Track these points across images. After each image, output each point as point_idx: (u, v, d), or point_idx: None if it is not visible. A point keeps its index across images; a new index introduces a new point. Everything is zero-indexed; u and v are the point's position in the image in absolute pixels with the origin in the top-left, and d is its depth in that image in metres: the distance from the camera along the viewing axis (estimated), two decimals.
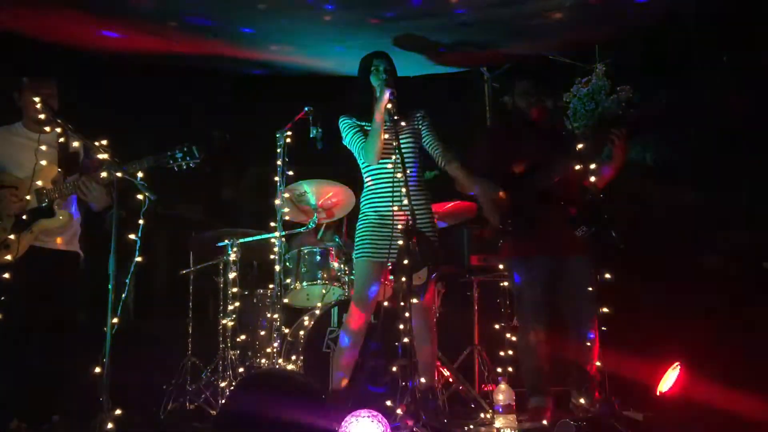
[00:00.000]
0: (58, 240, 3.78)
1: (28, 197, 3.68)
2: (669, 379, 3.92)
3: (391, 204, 3.71)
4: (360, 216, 3.89)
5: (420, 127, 3.91)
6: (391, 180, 3.73)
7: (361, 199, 3.93)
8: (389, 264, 3.78)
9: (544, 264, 3.88)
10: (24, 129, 3.85)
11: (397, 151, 3.57)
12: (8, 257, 3.62)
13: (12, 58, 4.71)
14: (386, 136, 3.75)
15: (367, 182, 3.90)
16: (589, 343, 3.98)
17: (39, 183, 3.70)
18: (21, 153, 3.75)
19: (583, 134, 4.00)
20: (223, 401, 4.21)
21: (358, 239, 3.85)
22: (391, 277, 4.25)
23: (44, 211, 3.73)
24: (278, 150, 4.36)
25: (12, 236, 3.63)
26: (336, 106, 4.01)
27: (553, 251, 3.86)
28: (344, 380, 3.75)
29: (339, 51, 5.07)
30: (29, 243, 3.69)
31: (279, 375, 3.51)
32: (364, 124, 3.84)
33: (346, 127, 3.87)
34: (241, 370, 4.63)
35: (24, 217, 3.67)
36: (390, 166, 3.75)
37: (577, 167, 3.75)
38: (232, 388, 4.25)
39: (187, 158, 3.69)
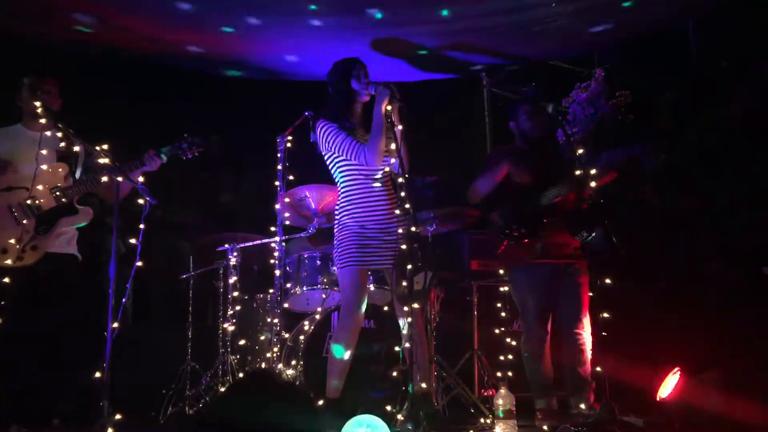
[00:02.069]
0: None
1: (28, 201, 3.67)
2: (669, 385, 3.92)
3: (377, 209, 3.68)
4: (342, 221, 3.73)
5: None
6: (377, 184, 3.70)
7: (343, 203, 3.75)
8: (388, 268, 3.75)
9: (546, 270, 3.96)
10: (24, 129, 3.85)
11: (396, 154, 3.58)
12: (34, 260, 3.64)
13: (11, 58, 4.72)
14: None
15: (348, 184, 3.74)
16: (585, 348, 3.99)
17: (42, 184, 3.69)
18: (24, 155, 3.75)
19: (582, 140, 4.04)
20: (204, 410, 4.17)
21: (344, 247, 3.69)
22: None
23: (67, 210, 3.74)
24: (279, 155, 4.36)
25: (40, 237, 3.65)
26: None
27: (554, 257, 3.94)
28: (340, 388, 3.68)
29: (339, 57, 5.07)
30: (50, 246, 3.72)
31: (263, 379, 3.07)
32: (348, 127, 3.71)
33: (332, 130, 3.67)
34: (241, 375, 4.62)
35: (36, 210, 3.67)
36: (388, 169, 3.73)
37: (577, 172, 3.75)
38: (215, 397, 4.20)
39: (193, 147, 3.90)
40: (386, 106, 3.60)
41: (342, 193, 3.76)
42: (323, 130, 3.70)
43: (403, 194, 3.53)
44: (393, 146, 3.60)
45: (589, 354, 3.94)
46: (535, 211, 3.95)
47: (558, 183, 3.92)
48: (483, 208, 4.18)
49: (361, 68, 3.77)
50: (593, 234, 3.74)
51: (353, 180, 3.72)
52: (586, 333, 3.98)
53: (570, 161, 3.84)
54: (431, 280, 3.47)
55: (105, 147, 3.58)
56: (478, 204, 4.18)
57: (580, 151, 3.80)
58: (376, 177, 3.71)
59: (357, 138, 3.66)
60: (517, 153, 4.12)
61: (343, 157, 3.69)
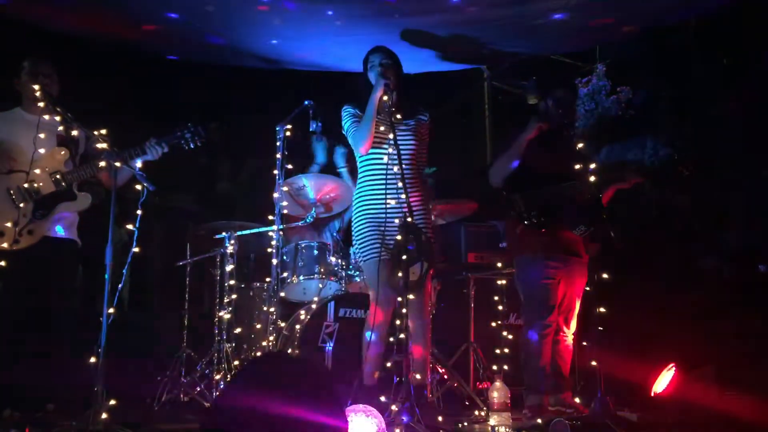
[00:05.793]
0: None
1: (26, 185, 3.66)
2: (663, 380, 3.94)
3: (385, 199, 3.69)
4: (356, 212, 3.82)
5: (423, 129, 3.91)
6: (385, 173, 3.72)
7: (355, 193, 3.87)
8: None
9: (559, 262, 3.90)
10: (23, 113, 3.83)
11: (393, 143, 3.57)
12: (30, 243, 3.62)
13: (9, 43, 4.69)
14: (382, 128, 3.74)
15: (361, 176, 3.86)
16: (585, 343, 3.99)
17: (42, 168, 3.68)
18: (22, 138, 3.73)
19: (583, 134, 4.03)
20: (217, 394, 4.18)
21: (362, 239, 3.75)
22: None
23: (66, 194, 3.73)
24: (278, 143, 4.35)
25: (37, 221, 3.64)
26: (336, 101, 4.01)
27: (567, 251, 3.89)
28: (375, 373, 3.69)
29: (340, 46, 5.06)
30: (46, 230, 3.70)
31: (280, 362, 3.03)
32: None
33: (347, 115, 3.87)
34: (236, 363, 4.62)
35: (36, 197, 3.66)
36: (385, 158, 3.73)
37: (577, 166, 3.75)
38: (228, 380, 4.21)
39: (196, 137, 3.84)
40: (380, 96, 3.66)
41: (358, 181, 3.85)
42: (342, 112, 3.89)
43: (399, 184, 3.53)
44: (390, 136, 3.61)
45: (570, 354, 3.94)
46: (558, 200, 3.84)
47: (573, 176, 3.80)
48: (505, 189, 3.98)
49: (376, 58, 3.86)
50: (591, 228, 3.74)
51: (367, 169, 3.81)
52: (570, 333, 3.97)
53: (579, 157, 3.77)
54: (426, 271, 3.47)
55: (103, 132, 3.57)
56: (500, 185, 3.99)
57: (580, 145, 3.79)
58: (380, 165, 3.73)
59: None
60: (546, 137, 3.93)
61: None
